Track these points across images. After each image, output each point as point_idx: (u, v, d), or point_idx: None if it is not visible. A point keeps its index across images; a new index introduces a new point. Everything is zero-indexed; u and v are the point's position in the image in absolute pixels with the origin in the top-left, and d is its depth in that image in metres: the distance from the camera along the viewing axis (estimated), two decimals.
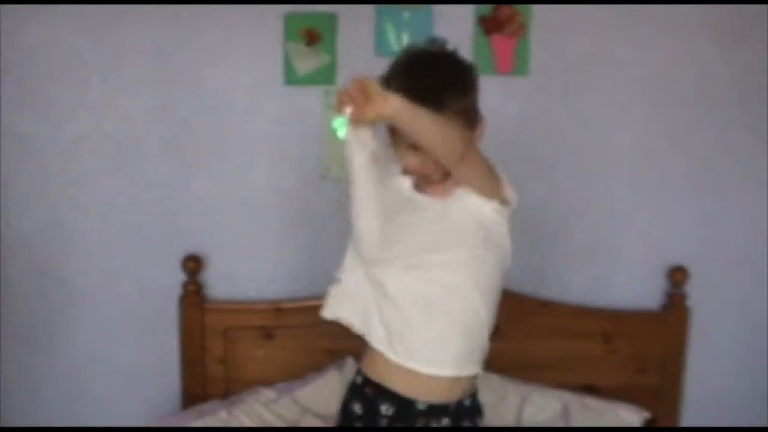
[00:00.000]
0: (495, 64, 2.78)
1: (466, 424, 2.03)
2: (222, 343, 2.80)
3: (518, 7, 2.75)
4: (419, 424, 1.98)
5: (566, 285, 2.92)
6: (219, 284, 2.85)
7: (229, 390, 2.79)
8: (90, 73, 2.74)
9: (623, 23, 2.81)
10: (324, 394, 2.66)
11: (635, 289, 2.94)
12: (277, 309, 2.80)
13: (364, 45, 2.75)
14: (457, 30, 2.75)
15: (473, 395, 2.08)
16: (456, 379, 1.97)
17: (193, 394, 2.80)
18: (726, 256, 2.95)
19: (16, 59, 2.71)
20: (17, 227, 2.79)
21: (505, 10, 2.76)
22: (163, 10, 2.70)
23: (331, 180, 2.79)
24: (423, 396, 1.96)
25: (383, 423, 1.99)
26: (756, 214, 2.95)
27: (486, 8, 2.75)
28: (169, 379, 2.86)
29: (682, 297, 2.90)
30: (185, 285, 2.79)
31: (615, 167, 2.89)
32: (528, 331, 2.86)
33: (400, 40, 2.74)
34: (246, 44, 2.74)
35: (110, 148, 2.77)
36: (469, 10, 2.76)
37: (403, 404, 1.97)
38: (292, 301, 2.82)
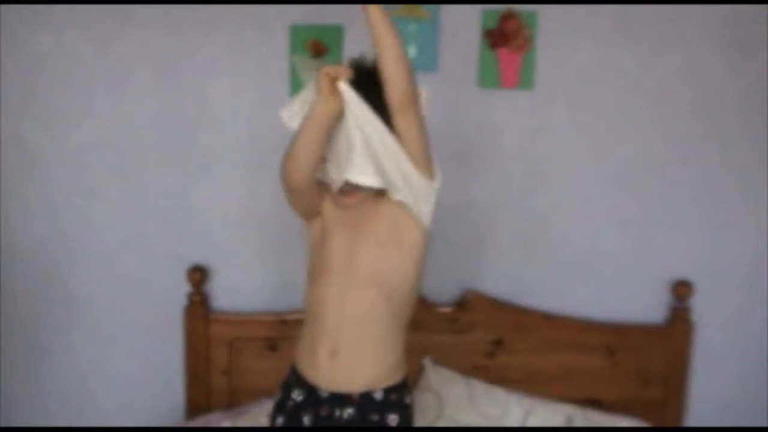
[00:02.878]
0: (500, 78, 2.78)
1: (374, 417, 2.03)
2: (226, 354, 2.80)
3: (524, 18, 2.75)
4: (323, 412, 2.03)
5: (570, 298, 2.92)
6: (224, 295, 2.85)
7: (233, 401, 2.80)
8: (95, 82, 2.75)
9: (628, 36, 2.81)
10: None
11: (639, 302, 2.94)
12: (282, 321, 2.80)
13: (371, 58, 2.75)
14: (463, 43, 2.78)
15: (387, 389, 2.06)
16: (350, 368, 2.02)
17: (197, 405, 2.81)
18: (730, 270, 2.94)
19: (21, 67, 2.72)
20: (21, 236, 2.80)
21: (512, 23, 2.76)
22: (169, 21, 2.71)
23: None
24: (324, 384, 2.04)
25: (291, 408, 2.07)
26: (760, 228, 2.94)
27: (492, 21, 2.76)
28: (174, 389, 2.86)
29: (686, 311, 2.90)
30: (190, 296, 2.79)
31: (619, 180, 2.89)
32: (531, 344, 2.87)
33: (407, 53, 2.74)
34: (252, 56, 2.75)
35: (115, 158, 2.78)
36: (475, 23, 2.76)
37: (310, 391, 2.06)
38: (296, 312, 2.80)
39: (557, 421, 2.73)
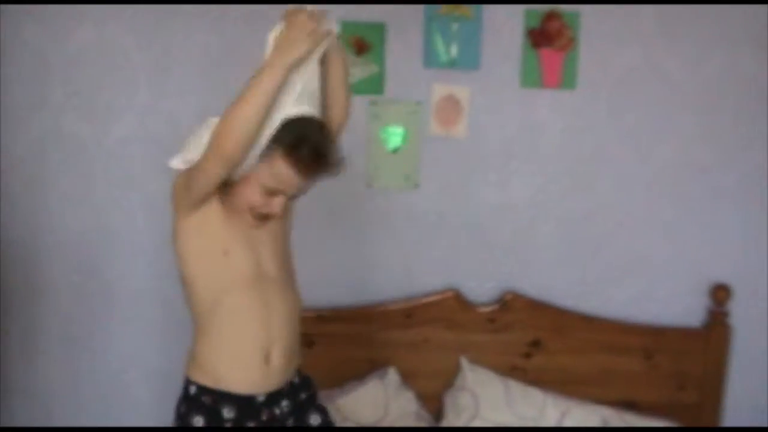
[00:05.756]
0: (543, 77, 2.77)
1: (303, 396, 2.07)
2: None
3: (567, 18, 2.74)
4: (265, 416, 1.99)
5: (608, 300, 2.91)
6: None
7: None
8: (137, 76, 2.75)
9: (671, 37, 2.81)
10: (365, 402, 2.67)
11: (677, 305, 2.93)
12: (319, 317, 2.80)
13: (413, 55, 2.76)
14: (505, 42, 2.77)
15: (297, 369, 2.09)
16: (284, 366, 2.01)
17: None
18: None
19: (64, 61, 2.73)
20: (62, 229, 2.81)
21: (555, 23, 2.75)
22: (212, 15, 2.72)
23: (377, 188, 2.79)
24: (261, 389, 1.99)
25: (228, 425, 1.97)
26: None
27: (535, 20, 2.75)
28: None
29: (724, 315, 2.89)
30: None
31: (659, 181, 2.88)
32: (569, 346, 2.86)
33: (449, 51, 2.75)
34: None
35: (156, 151, 2.77)
36: (518, 22, 2.76)
37: (243, 402, 1.97)
38: (334, 309, 2.82)
39: (593, 423, 2.73)
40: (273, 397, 2.01)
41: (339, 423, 2.62)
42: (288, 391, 2.05)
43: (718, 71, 2.83)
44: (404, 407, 2.74)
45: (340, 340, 2.77)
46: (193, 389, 2.02)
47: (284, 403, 2.03)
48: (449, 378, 2.84)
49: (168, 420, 2.86)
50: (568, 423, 2.72)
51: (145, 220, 2.81)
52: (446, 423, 2.76)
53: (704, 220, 2.90)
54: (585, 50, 2.78)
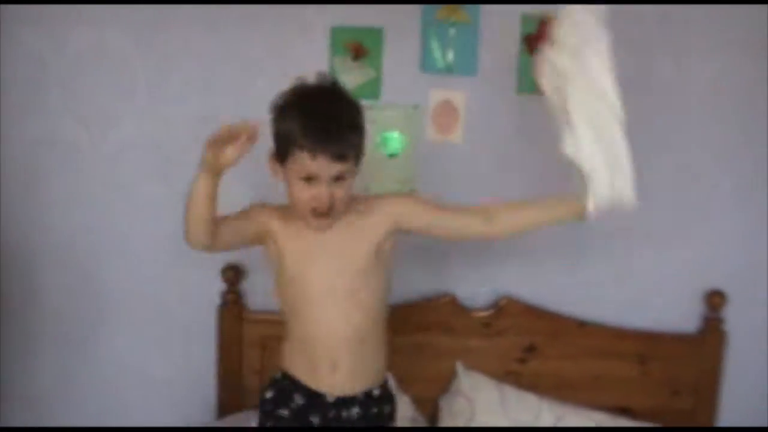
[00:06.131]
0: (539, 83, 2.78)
1: (374, 410, 2.14)
2: (259, 353, 2.80)
3: None
4: (331, 414, 2.10)
5: (603, 305, 2.91)
6: (258, 294, 2.84)
7: None
8: (135, 81, 2.75)
9: (667, 42, 2.81)
10: None
11: (672, 311, 2.93)
12: None
13: (410, 60, 2.76)
14: (502, 47, 2.77)
15: (382, 385, 2.19)
16: (352, 378, 2.11)
17: (229, 404, 2.81)
18: (764, 281, 2.92)
19: (61, 64, 2.72)
20: (57, 233, 2.81)
21: (551, 28, 2.75)
22: (211, 19, 2.71)
23: (373, 194, 2.79)
24: (329, 391, 2.11)
25: (296, 407, 2.11)
26: None
27: (531, 26, 2.76)
28: (206, 389, 2.86)
29: (719, 321, 2.89)
30: (224, 295, 2.80)
31: (655, 187, 2.86)
32: (563, 351, 2.86)
33: (446, 57, 2.76)
34: (292, 56, 2.74)
35: (153, 156, 2.78)
36: (514, 27, 2.76)
37: (313, 396, 2.11)
38: None
39: (587, 428, 2.73)
40: (344, 401, 2.10)
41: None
42: (363, 400, 2.12)
43: (713, 77, 2.83)
44: (400, 412, 2.71)
45: None
46: (279, 374, 2.19)
47: (355, 410, 2.11)
48: (444, 383, 2.85)
49: (162, 423, 2.88)
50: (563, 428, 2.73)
51: (142, 225, 2.81)
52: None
53: (699, 226, 2.90)
54: None
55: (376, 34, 2.74)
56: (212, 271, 2.79)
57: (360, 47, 2.74)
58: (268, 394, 2.17)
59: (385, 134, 2.76)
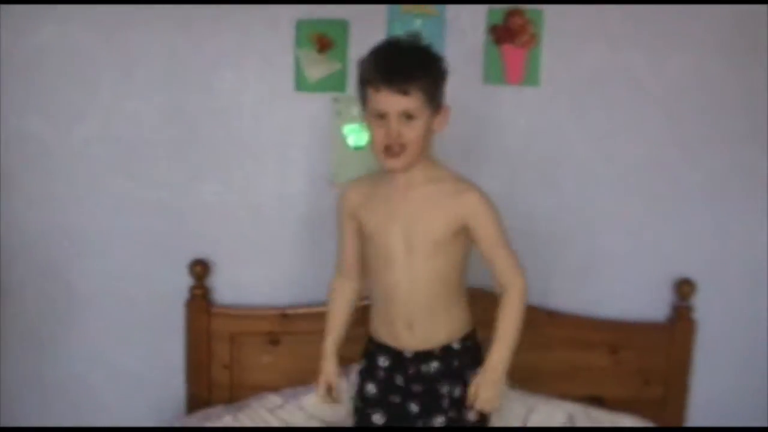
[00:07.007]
0: (505, 74, 2.78)
1: (455, 364, 2.25)
2: (228, 348, 2.80)
3: (530, 15, 2.75)
4: (411, 370, 2.25)
5: (573, 296, 2.91)
6: (226, 289, 2.84)
7: (235, 396, 2.79)
8: (100, 75, 2.73)
9: (636, 36, 2.81)
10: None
11: (642, 301, 2.94)
12: (284, 315, 2.80)
13: None
14: (468, 39, 2.77)
15: (462, 338, 2.29)
16: (428, 334, 2.23)
17: (199, 399, 2.80)
18: (733, 269, 2.95)
19: (24, 59, 2.70)
20: (24, 229, 2.79)
21: (517, 19, 2.76)
22: (176, 13, 2.70)
23: (340, 186, 2.79)
24: (407, 347, 2.25)
25: (381, 374, 2.30)
26: (763, 227, 2.94)
27: (498, 17, 2.75)
28: (175, 384, 2.86)
29: (689, 310, 2.90)
30: (192, 289, 2.79)
31: (624, 179, 2.89)
32: (534, 342, 2.81)
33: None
34: (258, 50, 2.74)
35: (119, 151, 2.77)
36: (480, 19, 2.76)
37: (394, 355, 2.26)
38: (298, 307, 2.82)
39: (559, 419, 2.73)
40: (422, 357, 2.23)
41: (304, 421, 2.63)
42: (442, 354, 2.24)
43: (682, 69, 2.84)
44: None
45: (305, 338, 2.75)
46: (367, 339, 2.35)
47: (434, 364, 2.23)
48: None
49: (133, 421, 2.87)
50: (534, 419, 2.72)
51: (108, 221, 2.79)
52: None
53: (668, 217, 2.91)
54: (549, 47, 2.78)
55: (341, 26, 2.73)
56: (180, 266, 2.78)
57: (325, 39, 2.72)
58: (361, 362, 2.36)
59: (350, 127, 2.75)
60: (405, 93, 2.02)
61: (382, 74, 2.03)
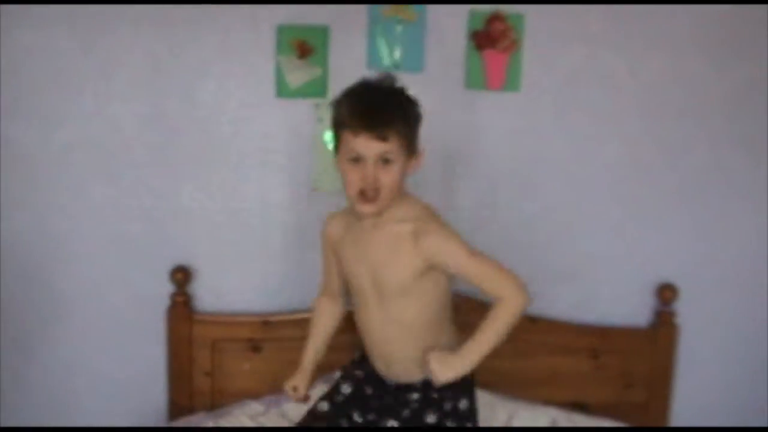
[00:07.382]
0: (486, 79, 2.78)
1: (435, 395, 2.20)
2: (209, 355, 2.79)
3: (511, 20, 2.75)
4: (388, 400, 2.25)
5: (555, 301, 2.91)
6: (207, 296, 2.84)
7: (216, 402, 2.79)
8: (81, 81, 2.71)
9: (616, 38, 2.82)
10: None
11: (624, 305, 2.95)
12: (265, 322, 2.79)
13: (357, 58, 2.75)
14: (449, 45, 2.77)
15: None
16: (406, 371, 2.22)
17: (180, 405, 2.79)
18: (715, 273, 2.96)
19: (5, 64, 2.68)
20: (4, 234, 2.77)
21: (498, 25, 2.76)
22: (157, 19, 2.69)
23: (321, 193, 2.78)
24: (388, 378, 2.27)
25: (357, 378, 2.34)
26: (746, 231, 2.95)
27: (479, 22, 2.75)
28: (156, 390, 2.85)
29: (671, 314, 2.91)
30: (173, 296, 2.78)
31: (605, 183, 2.89)
32: (516, 348, 2.82)
33: (393, 54, 2.75)
34: (238, 56, 2.73)
35: (100, 157, 2.75)
36: (461, 24, 2.76)
37: (377, 377, 2.29)
38: (280, 314, 2.82)
39: (542, 424, 2.73)
40: (403, 388, 2.23)
41: None
42: (422, 386, 2.21)
43: (661, 72, 2.85)
44: None
45: (287, 345, 2.74)
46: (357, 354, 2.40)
47: (415, 396, 2.21)
48: None
49: (113, 425, 2.86)
50: (517, 425, 2.72)
51: (90, 226, 2.78)
52: None
53: (649, 220, 2.92)
54: (529, 52, 2.79)
55: (321, 32, 2.73)
56: (161, 273, 2.77)
57: (306, 46, 2.72)
58: (356, 355, 2.39)
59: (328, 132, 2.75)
60: (384, 139, 1.99)
61: (360, 118, 2.00)
